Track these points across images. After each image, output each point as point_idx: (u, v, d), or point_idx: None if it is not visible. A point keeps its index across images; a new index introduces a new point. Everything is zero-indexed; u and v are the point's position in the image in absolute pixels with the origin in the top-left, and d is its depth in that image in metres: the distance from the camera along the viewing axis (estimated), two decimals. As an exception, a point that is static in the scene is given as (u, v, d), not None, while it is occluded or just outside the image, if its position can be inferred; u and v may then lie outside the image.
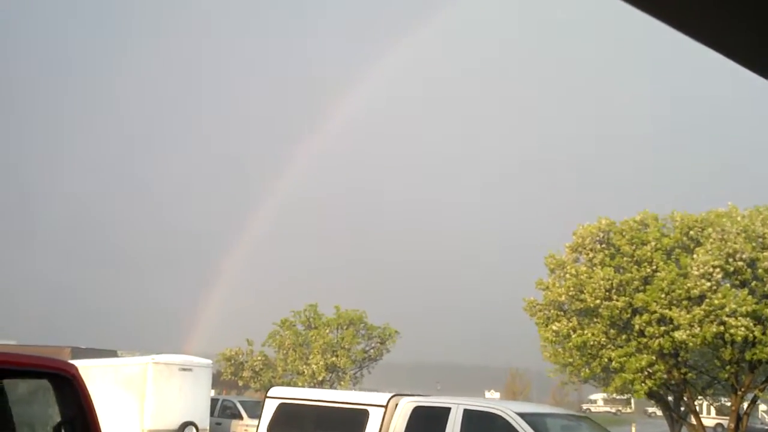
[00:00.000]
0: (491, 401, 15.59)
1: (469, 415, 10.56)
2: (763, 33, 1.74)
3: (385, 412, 11.08)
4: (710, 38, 1.79)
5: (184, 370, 24.32)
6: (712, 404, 34.84)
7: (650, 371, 23.53)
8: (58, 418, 4.94)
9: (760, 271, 21.97)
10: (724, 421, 34.05)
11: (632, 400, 69.28)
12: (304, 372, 38.81)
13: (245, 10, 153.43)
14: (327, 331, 39.32)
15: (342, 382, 39.52)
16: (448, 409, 10.73)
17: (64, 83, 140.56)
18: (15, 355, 5.30)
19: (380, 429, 10.97)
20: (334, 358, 38.68)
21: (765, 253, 22.05)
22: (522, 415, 10.28)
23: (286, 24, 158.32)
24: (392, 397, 11.43)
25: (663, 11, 1.71)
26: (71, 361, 6.73)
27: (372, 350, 40.37)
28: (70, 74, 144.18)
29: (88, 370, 17.40)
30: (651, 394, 25.89)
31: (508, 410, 10.47)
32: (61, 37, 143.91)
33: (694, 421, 26.26)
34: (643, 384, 23.69)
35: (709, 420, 40.06)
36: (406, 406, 11.14)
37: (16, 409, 5.48)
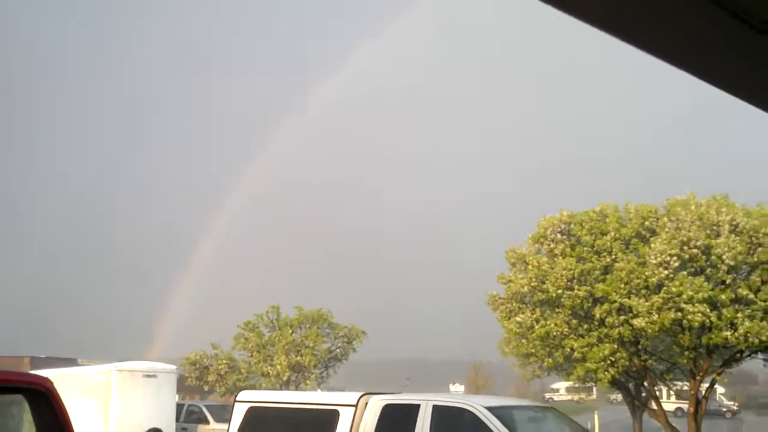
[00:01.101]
0: (460, 396, 15.74)
1: (439, 411, 10.70)
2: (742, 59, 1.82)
3: (355, 412, 11.16)
4: (695, 67, 1.87)
5: (148, 376, 24.10)
6: (671, 389, 35.60)
7: (612, 359, 24.00)
8: (33, 433, 4.92)
9: (713, 257, 22.52)
10: (684, 405, 34.83)
11: (594, 388, 70.42)
12: (269, 373, 38.71)
13: (232, 10, 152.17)
14: (289, 331, 39.28)
15: (308, 382, 39.50)
16: (418, 406, 10.85)
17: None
18: (-12, 372, 5.25)
19: (351, 428, 11.04)
20: (298, 358, 38.65)
21: (718, 240, 22.61)
22: (490, 409, 10.45)
23: (272, 22, 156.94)
24: (362, 396, 11.50)
25: (648, 43, 1.77)
26: (40, 372, 6.68)
27: (338, 349, 40.44)
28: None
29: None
30: (613, 382, 26.40)
31: (477, 405, 10.63)
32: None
33: (654, 405, 26.85)
34: (606, 372, 24.16)
35: (669, 404, 40.94)
36: (376, 405, 11.22)
37: (-12, 425, 5.44)
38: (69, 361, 36.90)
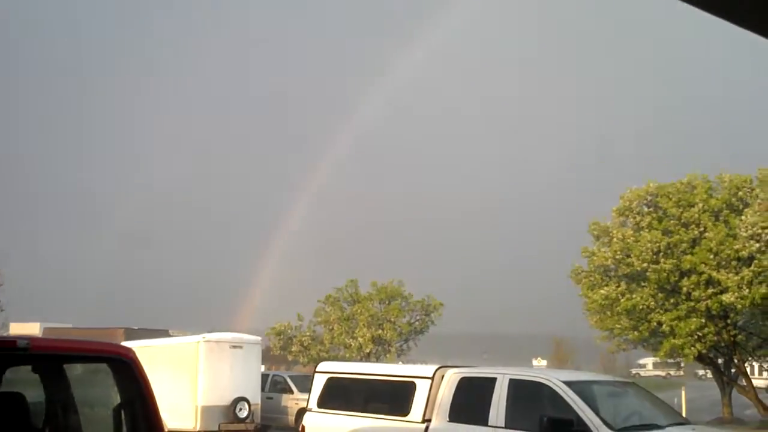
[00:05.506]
0: (537, 370, 15.60)
1: (515, 385, 10.62)
2: None
3: (431, 384, 11.20)
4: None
5: (235, 347, 24.75)
6: (762, 365, 34.37)
7: (700, 334, 23.36)
8: (117, 400, 5.17)
9: (809, 230, 21.57)
10: (777, 381, 33.61)
11: (682, 363, 68.63)
12: (350, 345, 39.27)
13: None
14: (370, 304, 39.70)
15: (388, 355, 39.89)
16: (494, 379, 10.81)
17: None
18: (76, 341, 5.54)
19: (427, 400, 11.11)
20: (380, 331, 39.05)
21: (814, 212, 21.64)
22: (568, 383, 10.32)
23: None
24: (438, 368, 11.54)
25: None
26: (127, 344, 7.01)
27: (417, 322, 40.62)
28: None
29: (142, 350, 17.85)
30: (700, 357, 25.70)
31: (555, 379, 10.51)
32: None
33: (744, 382, 26.04)
34: (692, 348, 23.56)
35: (761, 380, 39.55)
36: (452, 377, 11.24)
37: (77, 391, 5.74)
38: (161, 332, 38.18)
